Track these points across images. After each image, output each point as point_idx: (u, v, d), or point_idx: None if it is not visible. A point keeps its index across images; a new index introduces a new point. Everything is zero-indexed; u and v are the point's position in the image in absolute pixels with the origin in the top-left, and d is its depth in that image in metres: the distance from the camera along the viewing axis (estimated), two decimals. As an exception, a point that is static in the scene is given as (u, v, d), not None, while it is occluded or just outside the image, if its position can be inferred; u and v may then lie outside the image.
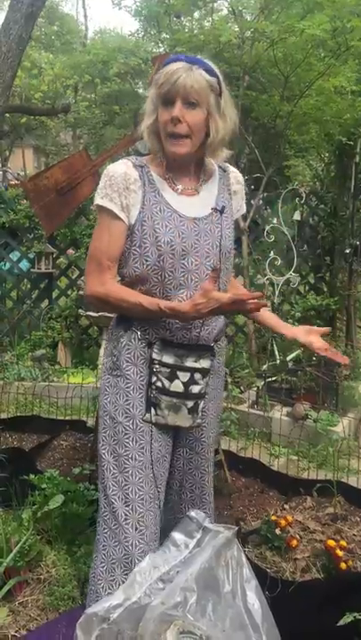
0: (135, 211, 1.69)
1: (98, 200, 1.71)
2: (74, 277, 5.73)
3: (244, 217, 4.97)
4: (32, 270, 5.51)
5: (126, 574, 1.69)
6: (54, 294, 5.65)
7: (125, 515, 1.71)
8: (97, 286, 1.71)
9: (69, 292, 5.64)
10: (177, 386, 1.72)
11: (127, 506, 1.71)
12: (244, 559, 1.65)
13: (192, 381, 1.74)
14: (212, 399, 1.87)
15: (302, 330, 1.85)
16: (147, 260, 1.67)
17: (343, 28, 4.75)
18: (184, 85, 1.61)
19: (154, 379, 1.72)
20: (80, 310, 4.97)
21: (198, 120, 1.65)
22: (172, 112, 1.63)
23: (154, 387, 1.72)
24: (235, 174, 1.88)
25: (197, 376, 1.75)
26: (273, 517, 2.35)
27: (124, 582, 1.69)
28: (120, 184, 1.68)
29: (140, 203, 1.69)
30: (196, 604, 1.50)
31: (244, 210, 1.96)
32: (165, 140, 1.67)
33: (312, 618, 1.97)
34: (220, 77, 1.68)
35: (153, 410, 1.73)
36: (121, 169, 1.70)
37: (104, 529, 1.75)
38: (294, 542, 2.23)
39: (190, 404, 1.76)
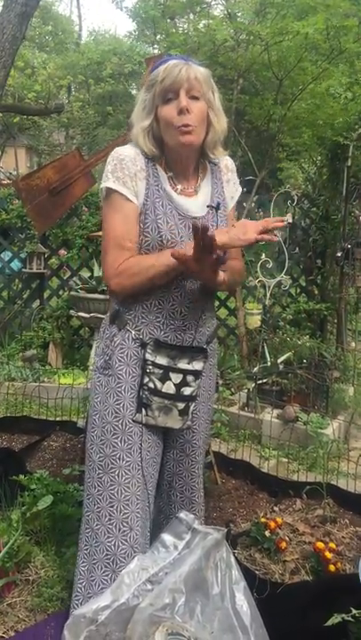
0: (140, 199, 1.66)
1: (109, 183, 1.66)
2: (65, 278, 5.71)
3: (237, 219, 4.97)
4: (23, 270, 5.49)
5: (107, 575, 1.69)
6: (46, 294, 5.63)
7: (110, 515, 1.70)
8: (118, 267, 1.64)
9: (61, 293, 5.63)
10: (169, 387, 1.72)
11: (111, 506, 1.70)
12: (233, 561, 1.65)
13: (184, 383, 1.74)
14: (203, 401, 1.86)
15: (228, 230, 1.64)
16: (148, 253, 1.66)
17: (337, 29, 4.77)
18: (188, 77, 1.60)
19: (146, 379, 1.71)
20: (71, 311, 4.96)
21: (202, 111, 1.64)
22: (178, 104, 1.60)
23: (146, 387, 1.71)
24: (225, 162, 1.84)
25: (190, 378, 1.75)
26: (262, 519, 2.35)
27: (103, 583, 1.70)
28: (131, 168, 1.66)
29: (143, 193, 1.66)
30: (184, 606, 1.49)
31: (239, 192, 1.90)
32: (174, 133, 1.63)
33: (300, 619, 1.97)
34: (211, 79, 1.69)
35: (144, 410, 1.72)
36: (131, 152, 1.68)
37: (86, 529, 1.76)
38: (283, 544, 2.23)
39: (181, 405, 1.75)
